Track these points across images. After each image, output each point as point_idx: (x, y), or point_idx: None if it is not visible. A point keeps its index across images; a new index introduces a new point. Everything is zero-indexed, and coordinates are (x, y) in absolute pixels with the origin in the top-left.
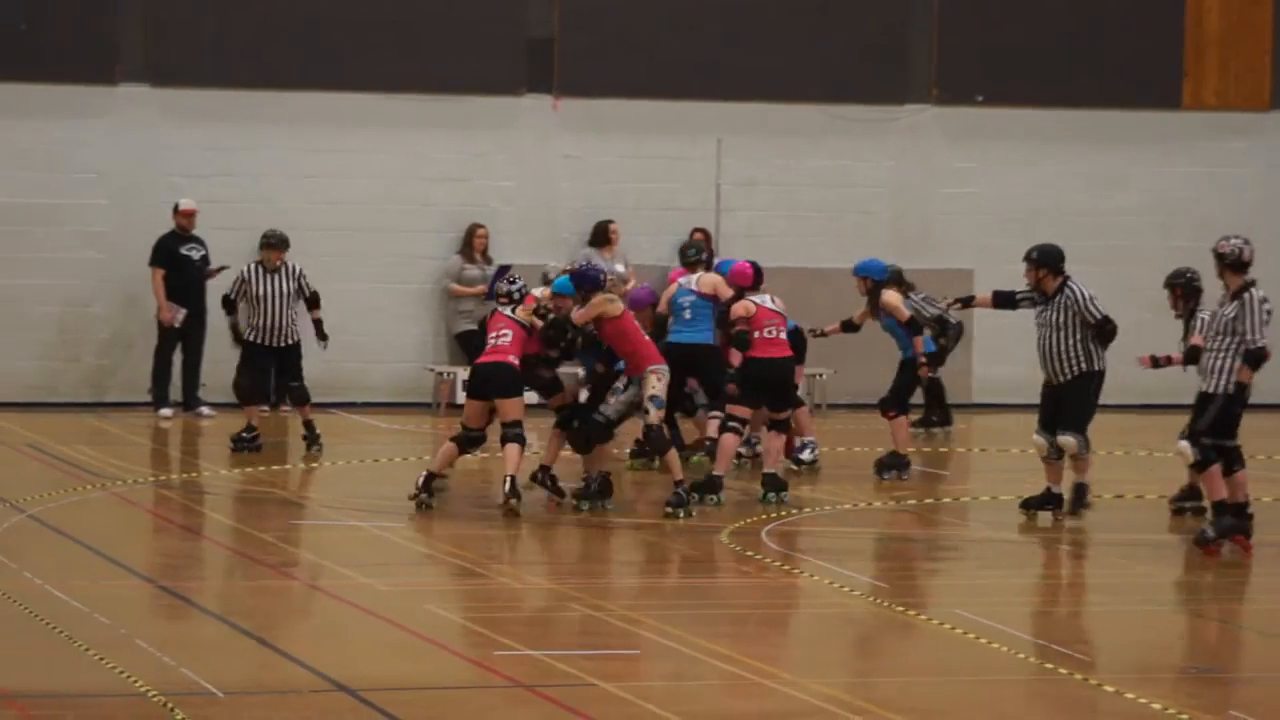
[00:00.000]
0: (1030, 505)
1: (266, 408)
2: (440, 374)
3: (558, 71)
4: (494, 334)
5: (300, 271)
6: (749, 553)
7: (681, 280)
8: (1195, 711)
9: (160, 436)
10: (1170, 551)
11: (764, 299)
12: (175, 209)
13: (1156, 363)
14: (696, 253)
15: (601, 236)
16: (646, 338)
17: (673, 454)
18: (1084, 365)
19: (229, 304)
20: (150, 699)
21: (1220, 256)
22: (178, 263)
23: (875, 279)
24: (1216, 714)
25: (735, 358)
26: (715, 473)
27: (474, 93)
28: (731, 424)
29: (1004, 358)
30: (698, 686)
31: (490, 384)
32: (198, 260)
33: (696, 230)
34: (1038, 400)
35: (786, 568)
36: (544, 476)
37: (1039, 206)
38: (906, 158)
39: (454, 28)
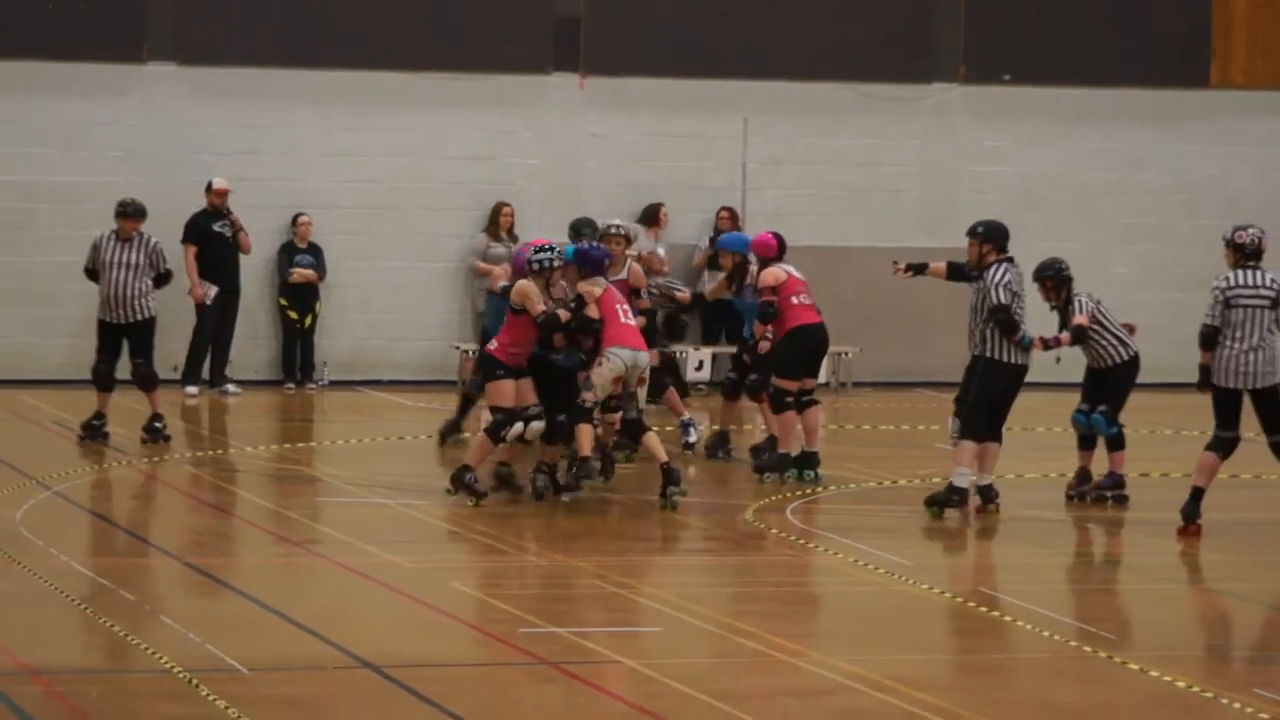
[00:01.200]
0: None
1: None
2: (466, 351)
3: (584, 50)
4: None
5: (156, 245)
6: (773, 530)
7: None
8: (1220, 689)
9: (188, 414)
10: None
11: (791, 269)
12: (208, 187)
13: (1046, 344)
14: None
15: (652, 217)
16: (623, 321)
17: (651, 437)
18: (981, 350)
19: (90, 274)
20: (175, 675)
21: (1239, 247)
22: (210, 240)
23: (745, 254)
24: (1240, 692)
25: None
26: (782, 450)
27: (501, 71)
28: (787, 400)
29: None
30: (723, 664)
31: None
32: (230, 238)
33: (723, 209)
34: (1067, 380)
35: (811, 545)
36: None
37: (1066, 185)
38: (933, 137)
39: (481, 6)
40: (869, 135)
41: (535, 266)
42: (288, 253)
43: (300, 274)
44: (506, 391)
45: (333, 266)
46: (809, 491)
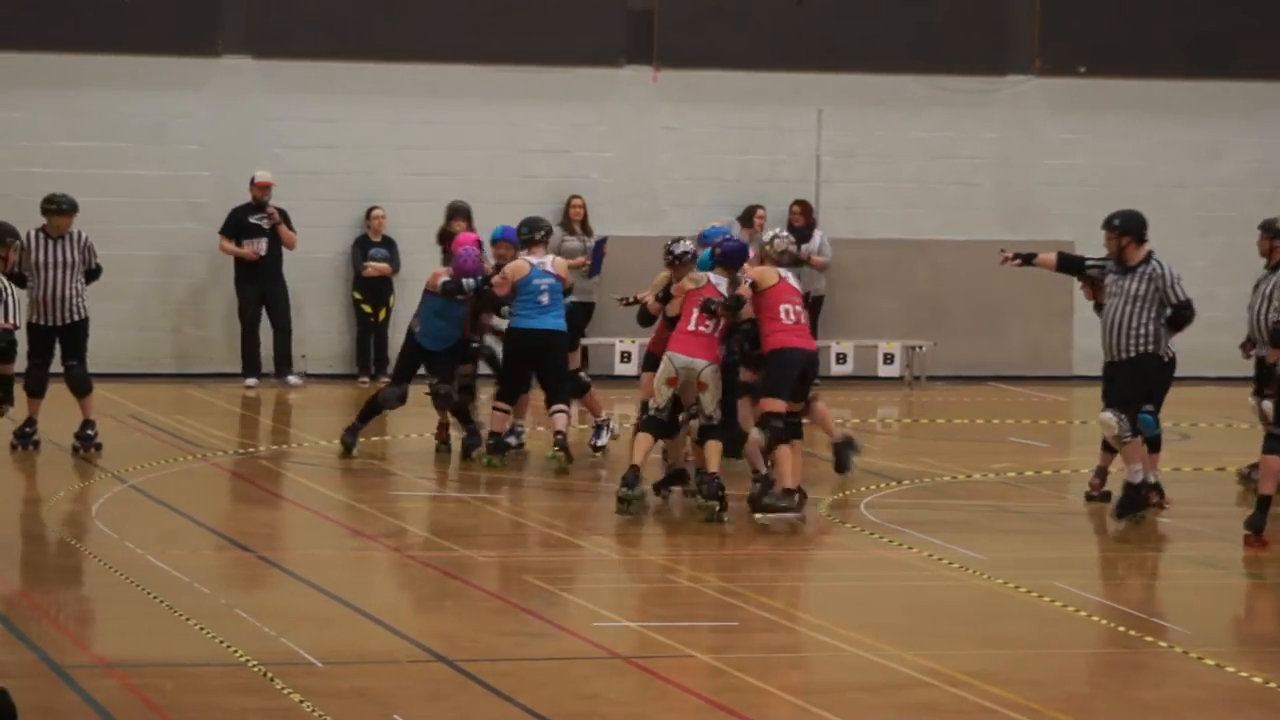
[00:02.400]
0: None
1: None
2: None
3: (657, 42)
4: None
5: (87, 240)
6: (847, 525)
7: (534, 260)
8: None
9: (254, 406)
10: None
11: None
12: (251, 181)
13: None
14: (547, 232)
15: (748, 218)
16: (690, 329)
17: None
18: (1150, 345)
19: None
20: (249, 668)
21: None
22: (246, 232)
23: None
24: None
25: None
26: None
27: (574, 64)
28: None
29: None
30: (796, 658)
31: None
32: (267, 229)
33: (795, 203)
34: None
35: (885, 540)
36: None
37: (1142, 178)
38: (1008, 129)
39: (555, 0)
40: (943, 127)
41: (674, 259)
42: (362, 246)
43: (374, 267)
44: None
45: (406, 260)
46: (884, 486)
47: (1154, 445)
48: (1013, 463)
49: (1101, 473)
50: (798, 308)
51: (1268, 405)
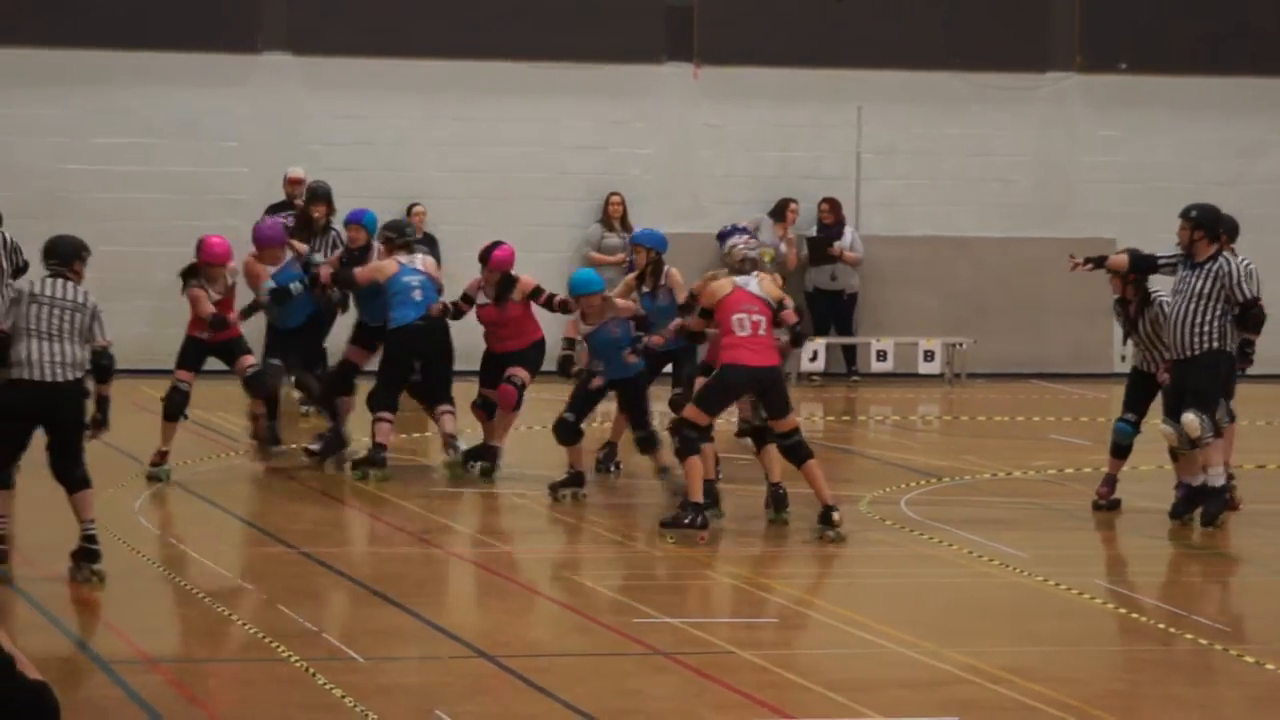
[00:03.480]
0: (1176, 513)
1: None
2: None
3: (698, 39)
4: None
5: (13, 242)
6: (887, 521)
7: (402, 260)
8: None
9: (294, 401)
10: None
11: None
12: (285, 177)
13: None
14: (412, 236)
15: (780, 213)
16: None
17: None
18: (1216, 342)
19: None
20: (292, 664)
21: None
22: None
23: (660, 250)
24: None
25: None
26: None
27: (614, 60)
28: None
29: None
30: (837, 655)
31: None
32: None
33: (824, 201)
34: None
35: (925, 537)
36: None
37: (1183, 175)
38: (1049, 126)
39: None
40: (983, 124)
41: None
42: None
43: None
44: None
45: (449, 257)
46: (923, 483)
47: (1121, 452)
48: (1053, 460)
49: (1111, 481)
50: (754, 317)
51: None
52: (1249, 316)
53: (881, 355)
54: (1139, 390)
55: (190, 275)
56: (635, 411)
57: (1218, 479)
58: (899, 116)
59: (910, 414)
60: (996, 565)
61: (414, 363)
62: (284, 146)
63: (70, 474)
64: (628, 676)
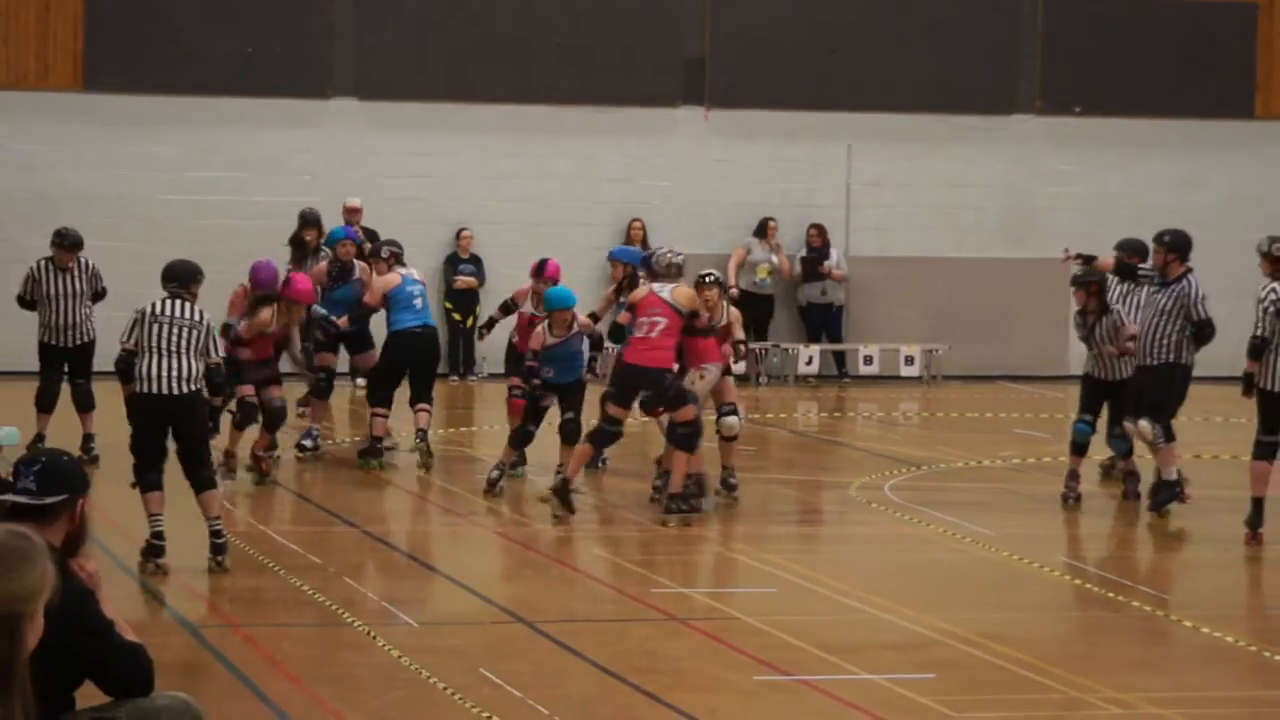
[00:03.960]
0: (1159, 505)
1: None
2: (608, 350)
3: (709, 86)
4: (645, 318)
5: (94, 268)
6: (873, 504)
7: (403, 271)
8: (1264, 643)
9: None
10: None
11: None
12: (344, 206)
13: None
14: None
15: (762, 230)
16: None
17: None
18: (1173, 355)
19: (24, 303)
20: (355, 628)
21: (1277, 259)
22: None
23: (634, 265)
24: None
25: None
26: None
27: (636, 104)
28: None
29: None
30: (829, 620)
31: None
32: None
33: (812, 226)
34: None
35: (906, 517)
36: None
37: (1131, 204)
38: (1014, 161)
39: (620, 49)
40: (958, 160)
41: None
42: (452, 262)
43: (463, 281)
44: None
45: (491, 275)
46: (905, 470)
47: (1080, 450)
48: (1018, 451)
49: (1074, 475)
50: (654, 319)
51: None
52: (1201, 334)
53: (868, 360)
54: (1092, 394)
55: (263, 302)
56: (568, 404)
57: (1170, 475)
58: (885, 153)
59: (893, 411)
60: (969, 542)
61: (409, 363)
62: (353, 179)
63: (195, 476)
64: (647, 639)
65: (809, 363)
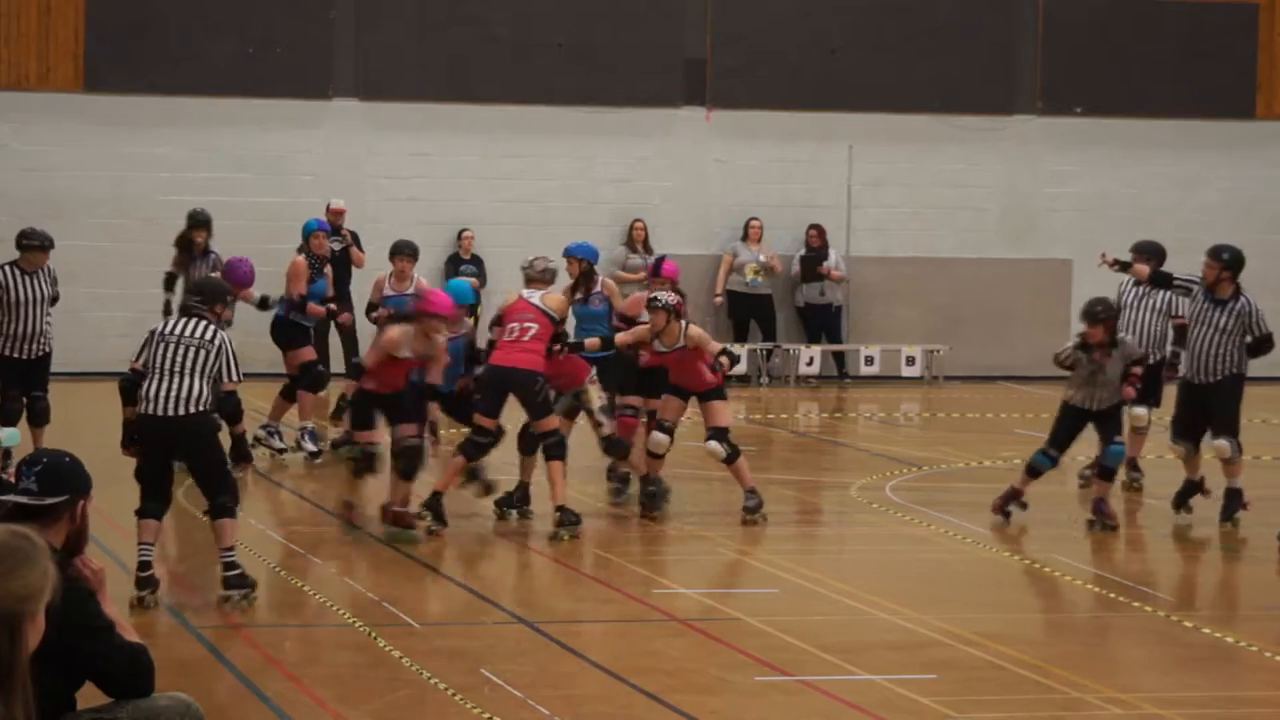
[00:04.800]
0: (1181, 501)
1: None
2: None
3: (710, 87)
4: (516, 324)
5: (53, 272)
6: (874, 504)
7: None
8: (1264, 643)
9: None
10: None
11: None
12: (327, 207)
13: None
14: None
15: (745, 230)
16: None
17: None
18: (1235, 369)
19: None
20: (357, 629)
21: None
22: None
23: (591, 261)
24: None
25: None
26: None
27: (637, 105)
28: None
29: None
30: (830, 621)
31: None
32: (337, 252)
33: (811, 227)
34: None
35: (907, 518)
36: (435, 500)
37: (1130, 204)
38: (1015, 161)
39: (621, 50)
40: (958, 160)
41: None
42: (454, 262)
43: None
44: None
45: (492, 275)
46: (907, 471)
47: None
48: (1018, 451)
49: (1013, 495)
50: (526, 324)
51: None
52: (1260, 348)
53: (869, 360)
54: (1071, 425)
55: (402, 320)
56: (459, 417)
57: (1236, 484)
58: (885, 153)
59: (894, 411)
60: (969, 543)
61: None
62: (353, 180)
63: (212, 502)
64: (648, 640)
65: (810, 363)
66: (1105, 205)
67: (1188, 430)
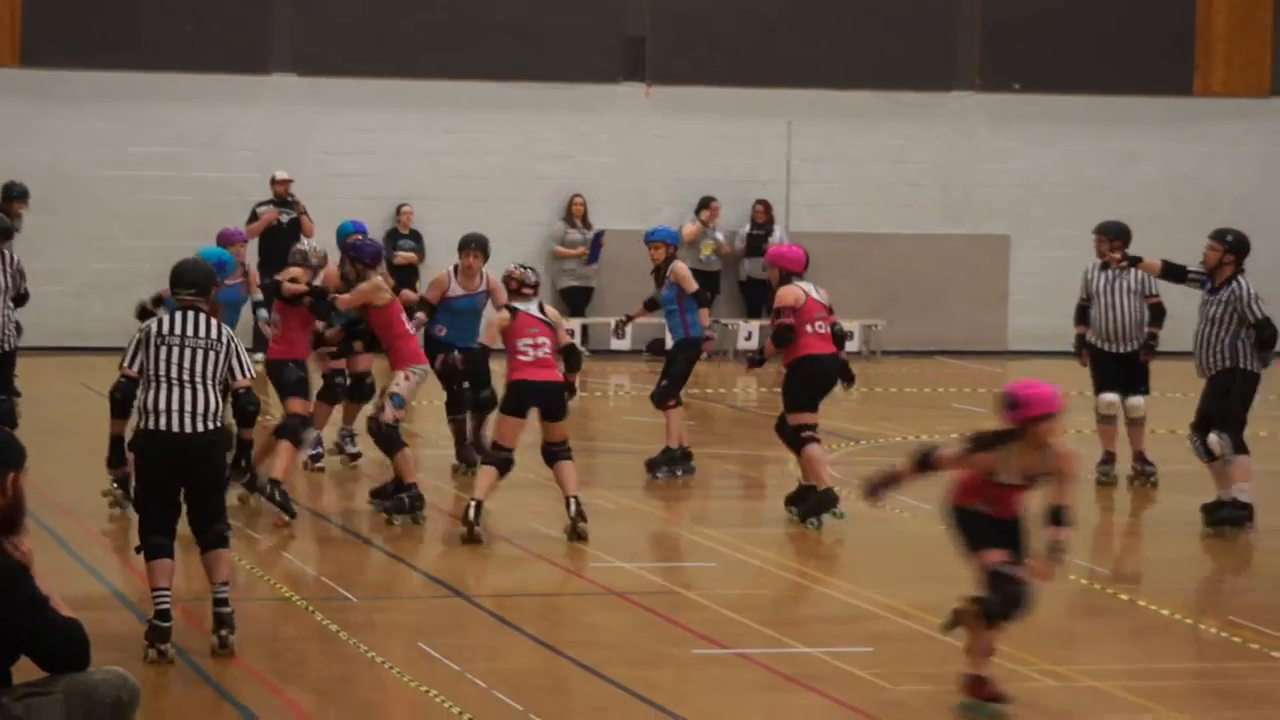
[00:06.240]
0: (1218, 522)
1: None
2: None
3: (649, 63)
4: (529, 340)
5: (19, 263)
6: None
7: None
8: (1199, 615)
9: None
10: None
11: (811, 289)
12: (272, 179)
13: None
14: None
15: (703, 206)
16: (409, 331)
17: (403, 455)
18: (1229, 362)
19: None
20: (294, 603)
21: None
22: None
23: (674, 246)
24: (1215, 619)
25: None
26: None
27: (578, 81)
28: (804, 434)
29: (1034, 309)
30: (768, 594)
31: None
32: (285, 223)
33: (758, 202)
34: (1066, 349)
35: (846, 492)
36: (275, 490)
37: (1068, 180)
38: (953, 138)
39: (561, 26)
40: (897, 136)
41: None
42: (392, 238)
43: (402, 256)
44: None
45: (431, 250)
46: (844, 446)
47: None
48: (955, 426)
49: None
50: (537, 340)
51: (1138, 400)
52: (1261, 336)
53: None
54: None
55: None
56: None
57: (1242, 494)
58: (824, 129)
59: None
60: (907, 517)
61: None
62: (293, 155)
63: (204, 531)
64: (584, 613)
65: (749, 338)
66: (1043, 181)
67: (1196, 426)
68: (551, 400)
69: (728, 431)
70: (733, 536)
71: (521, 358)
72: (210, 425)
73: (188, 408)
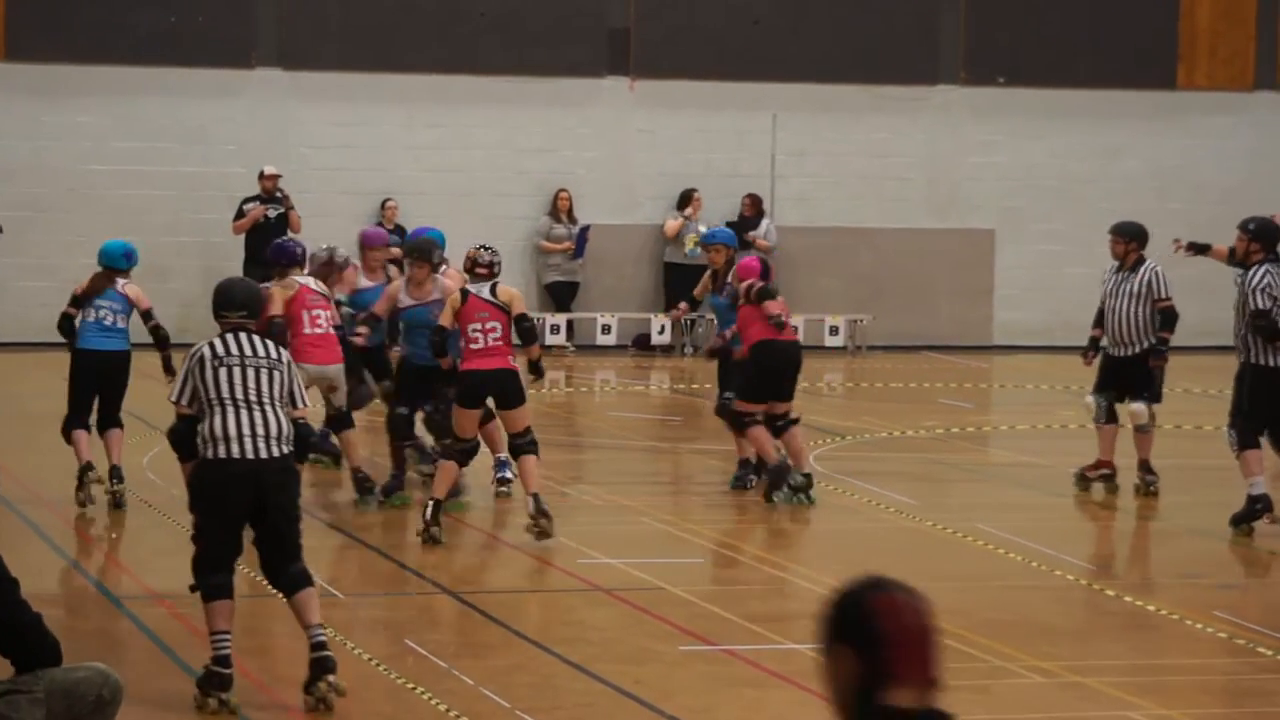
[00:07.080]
0: (1234, 521)
1: None
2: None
3: (633, 56)
4: (477, 325)
5: None
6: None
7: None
8: (1185, 611)
9: None
10: (1179, 476)
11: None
12: (260, 174)
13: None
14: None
15: (685, 201)
16: (303, 331)
17: (345, 437)
18: (1243, 355)
19: None
20: (280, 600)
21: None
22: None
23: (735, 249)
24: (1202, 614)
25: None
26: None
27: (562, 75)
28: (747, 419)
29: (1020, 304)
30: (754, 590)
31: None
32: (274, 219)
33: (747, 196)
34: (1052, 344)
35: (831, 488)
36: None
37: (1053, 174)
38: (938, 131)
39: (545, 19)
40: (882, 130)
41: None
42: None
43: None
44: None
45: None
46: (829, 441)
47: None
48: (940, 421)
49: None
50: (487, 326)
51: (1138, 406)
52: (1258, 326)
53: (793, 329)
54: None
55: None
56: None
57: (1253, 488)
58: (809, 123)
59: (818, 381)
60: (892, 512)
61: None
62: (276, 149)
63: (284, 572)
64: (572, 610)
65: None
66: (1028, 175)
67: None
68: (504, 388)
69: (713, 427)
70: (718, 532)
71: (472, 345)
72: (284, 449)
73: (259, 431)
